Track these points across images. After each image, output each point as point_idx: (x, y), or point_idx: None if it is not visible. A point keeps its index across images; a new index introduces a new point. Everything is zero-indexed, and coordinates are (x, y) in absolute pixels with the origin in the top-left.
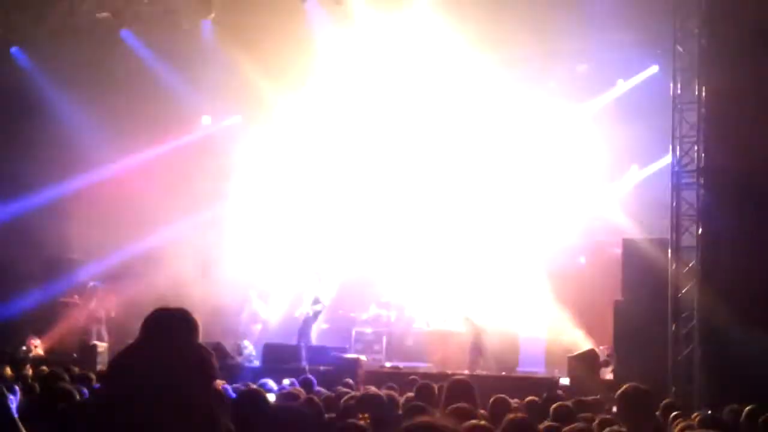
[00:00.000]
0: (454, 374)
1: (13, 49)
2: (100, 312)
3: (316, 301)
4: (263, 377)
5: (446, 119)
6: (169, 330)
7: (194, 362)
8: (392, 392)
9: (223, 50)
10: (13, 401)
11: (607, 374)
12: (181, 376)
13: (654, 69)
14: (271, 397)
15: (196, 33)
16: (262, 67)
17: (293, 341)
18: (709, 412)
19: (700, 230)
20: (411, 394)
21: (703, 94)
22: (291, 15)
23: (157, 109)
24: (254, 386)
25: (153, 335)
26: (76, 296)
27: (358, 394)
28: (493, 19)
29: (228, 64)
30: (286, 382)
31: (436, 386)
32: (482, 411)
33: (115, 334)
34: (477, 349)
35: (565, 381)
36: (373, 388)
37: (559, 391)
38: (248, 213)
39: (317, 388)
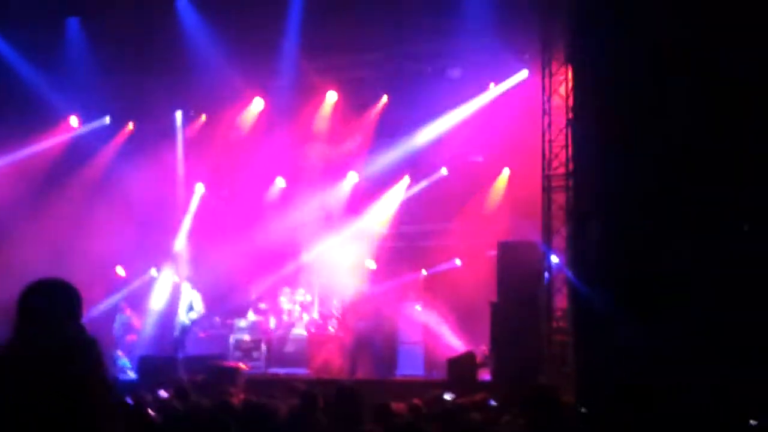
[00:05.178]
0: (334, 380)
1: None
2: None
3: (190, 309)
4: (139, 390)
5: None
6: (44, 316)
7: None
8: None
9: (93, 49)
10: None
11: (486, 375)
12: (67, 369)
13: (524, 73)
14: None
15: (62, 31)
16: (133, 66)
17: (169, 352)
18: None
19: (569, 231)
20: (294, 402)
21: (570, 98)
22: (161, 14)
23: (20, 110)
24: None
25: (30, 323)
26: None
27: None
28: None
29: (97, 64)
30: (162, 393)
31: (318, 393)
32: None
33: None
34: (356, 354)
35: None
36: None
37: (446, 396)
38: (118, 217)
39: (194, 398)
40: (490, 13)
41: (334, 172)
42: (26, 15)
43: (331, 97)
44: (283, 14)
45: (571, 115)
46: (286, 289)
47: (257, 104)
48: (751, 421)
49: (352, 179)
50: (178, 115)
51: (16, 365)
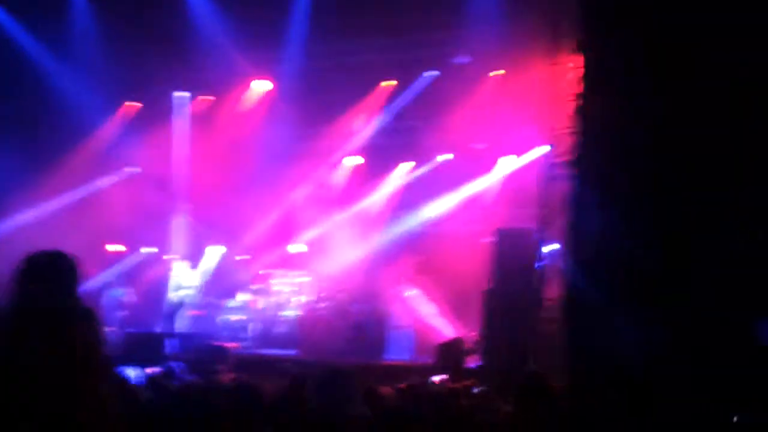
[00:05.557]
0: (324, 362)
1: None
2: None
3: (179, 287)
4: (124, 366)
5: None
6: (44, 284)
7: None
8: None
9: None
10: None
11: (474, 362)
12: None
13: (531, 61)
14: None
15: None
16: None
17: (159, 328)
18: None
19: (566, 221)
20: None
21: (580, 86)
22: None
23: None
24: None
25: (27, 292)
26: None
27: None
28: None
29: (102, 43)
30: (148, 371)
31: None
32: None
33: None
34: (346, 337)
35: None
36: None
37: (434, 378)
38: (115, 195)
39: (182, 375)
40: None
41: (336, 154)
42: None
43: (337, 79)
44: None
45: (578, 104)
46: (280, 271)
47: (263, 86)
48: (734, 418)
49: (353, 162)
50: (183, 95)
51: (21, 321)
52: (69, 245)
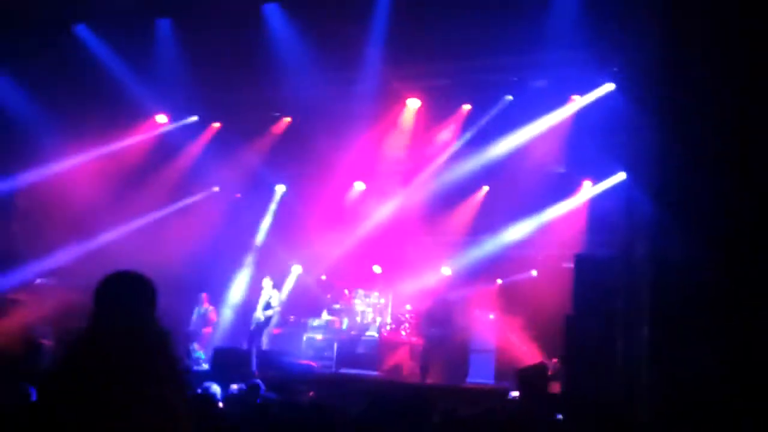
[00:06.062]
0: (404, 384)
1: None
2: (46, 310)
3: (267, 306)
4: (212, 382)
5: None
6: (123, 306)
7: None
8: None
9: (182, 49)
10: None
11: (556, 388)
12: (141, 362)
13: (610, 86)
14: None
15: (153, 31)
16: (221, 67)
17: (244, 346)
18: None
19: (652, 247)
20: (363, 404)
21: (659, 112)
22: (250, 17)
23: (110, 107)
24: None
25: (105, 313)
26: (22, 293)
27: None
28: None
29: (186, 64)
30: (234, 387)
31: (388, 397)
32: None
33: (61, 333)
34: (427, 360)
35: (514, 394)
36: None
37: (513, 393)
38: (199, 214)
39: (266, 392)
40: (577, 25)
41: (414, 178)
42: (119, 14)
43: (414, 104)
44: (369, 21)
45: (659, 129)
46: (361, 291)
47: (340, 108)
48: None
49: (430, 186)
50: (263, 116)
51: (94, 349)
52: (159, 262)
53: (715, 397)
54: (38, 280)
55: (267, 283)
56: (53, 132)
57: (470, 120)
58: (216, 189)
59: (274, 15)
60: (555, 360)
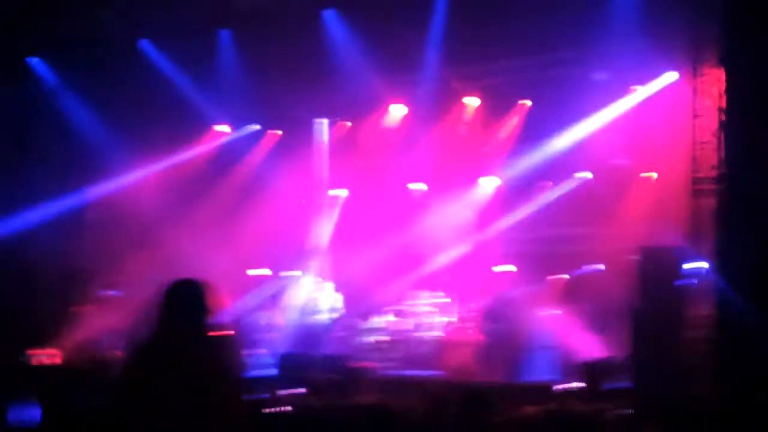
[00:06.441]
0: (468, 383)
1: (34, 60)
2: (114, 322)
3: (331, 309)
4: (281, 387)
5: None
6: (188, 311)
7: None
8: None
9: (242, 60)
10: None
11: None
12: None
13: (674, 75)
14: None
15: (214, 42)
16: (281, 76)
17: (308, 349)
18: None
19: (718, 238)
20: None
21: (724, 100)
22: (309, 25)
23: (173, 119)
24: None
25: (171, 317)
26: (90, 305)
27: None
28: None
29: (246, 74)
30: (300, 391)
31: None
32: None
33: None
34: (491, 358)
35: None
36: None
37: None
38: (263, 221)
39: (328, 397)
40: (637, 14)
41: (476, 176)
42: (180, 27)
43: (473, 102)
44: (426, 23)
45: (723, 118)
46: (424, 291)
47: (400, 111)
48: None
49: (493, 183)
50: (323, 122)
51: (159, 353)
52: (224, 270)
53: None
54: (106, 292)
55: (328, 286)
56: (119, 146)
57: (531, 116)
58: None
59: (332, 21)
60: (622, 354)
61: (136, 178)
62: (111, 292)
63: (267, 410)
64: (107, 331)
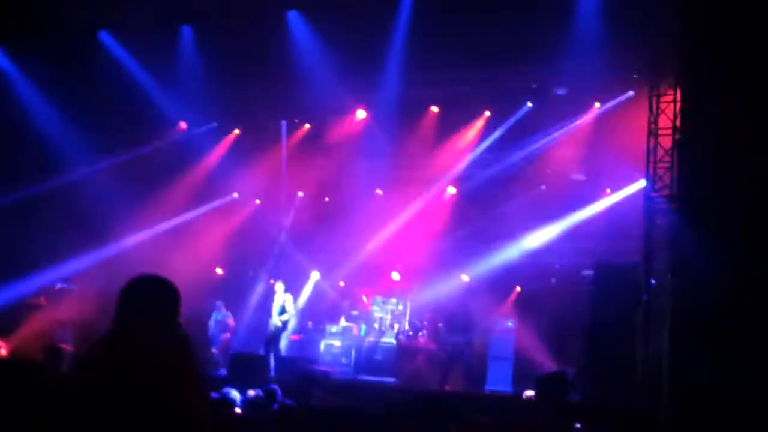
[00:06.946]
0: (423, 391)
1: None
2: (65, 315)
3: (282, 311)
4: (230, 387)
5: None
6: (146, 309)
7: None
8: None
9: (203, 56)
10: None
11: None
12: (161, 372)
13: (630, 93)
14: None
15: (176, 38)
16: (242, 74)
17: (261, 351)
18: None
19: (671, 256)
20: (380, 410)
21: (678, 119)
22: (272, 25)
23: (131, 113)
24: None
25: (128, 316)
26: (42, 298)
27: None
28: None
29: (207, 71)
30: (251, 392)
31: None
32: None
33: (80, 337)
34: (446, 367)
35: (529, 393)
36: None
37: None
38: (217, 221)
39: (282, 399)
40: (598, 33)
41: (434, 184)
42: (141, 21)
43: (434, 110)
44: (390, 30)
45: (678, 137)
46: (379, 298)
47: (360, 115)
48: None
49: (450, 192)
50: (283, 123)
51: (116, 354)
52: (177, 268)
53: (738, 407)
54: (58, 285)
55: (279, 287)
56: (75, 138)
57: (490, 126)
58: (235, 195)
59: (296, 22)
60: (574, 368)
61: (92, 171)
62: (62, 286)
63: (220, 411)
64: (58, 324)
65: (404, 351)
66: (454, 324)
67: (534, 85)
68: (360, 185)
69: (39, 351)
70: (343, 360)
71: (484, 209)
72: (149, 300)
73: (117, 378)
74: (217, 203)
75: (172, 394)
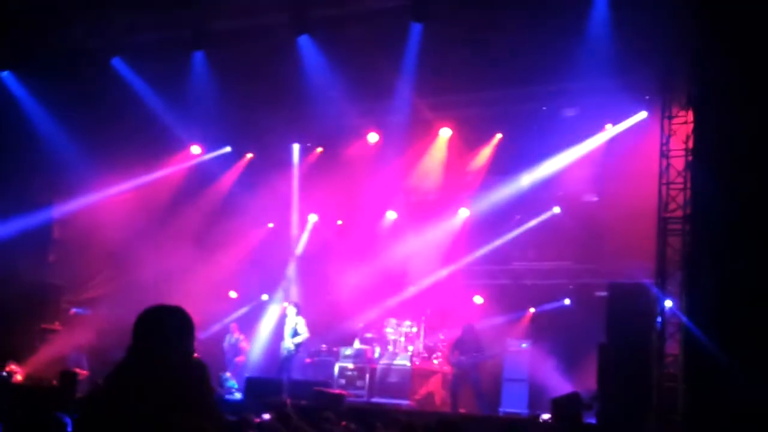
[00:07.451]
0: (436, 413)
1: (4, 74)
2: (81, 340)
3: (295, 334)
4: (245, 411)
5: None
6: (161, 338)
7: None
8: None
9: (215, 81)
10: None
11: (591, 418)
12: (176, 397)
13: (643, 115)
14: None
15: (188, 63)
16: (254, 99)
17: (275, 374)
18: None
19: (685, 276)
20: None
21: (691, 141)
22: (284, 49)
23: (146, 138)
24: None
25: (143, 346)
26: (57, 323)
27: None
28: (479, 59)
29: (220, 96)
30: (266, 416)
31: (419, 425)
32: None
33: (96, 362)
34: (458, 389)
35: (545, 417)
36: (353, 425)
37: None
38: (234, 243)
39: (297, 422)
40: (610, 54)
41: (446, 207)
42: (154, 47)
43: (445, 133)
44: (401, 52)
45: (690, 158)
46: (392, 320)
47: (372, 138)
48: None
49: (463, 214)
50: (295, 147)
51: (128, 384)
52: (185, 291)
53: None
54: (73, 310)
55: (291, 310)
56: (90, 163)
57: (502, 149)
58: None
59: (307, 47)
60: (590, 389)
61: (107, 197)
62: (78, 311)
63: None
64: (73, 348)
65: (418, 373)
66: (462, 345)
67: (544, 108)
68: (372, 208)
69: (54, 376)
70: (357, 383)
71: (496, 231)
72: (164, 330)
73: (131, 406)
74: (231, 227)
75: (187, 423)
